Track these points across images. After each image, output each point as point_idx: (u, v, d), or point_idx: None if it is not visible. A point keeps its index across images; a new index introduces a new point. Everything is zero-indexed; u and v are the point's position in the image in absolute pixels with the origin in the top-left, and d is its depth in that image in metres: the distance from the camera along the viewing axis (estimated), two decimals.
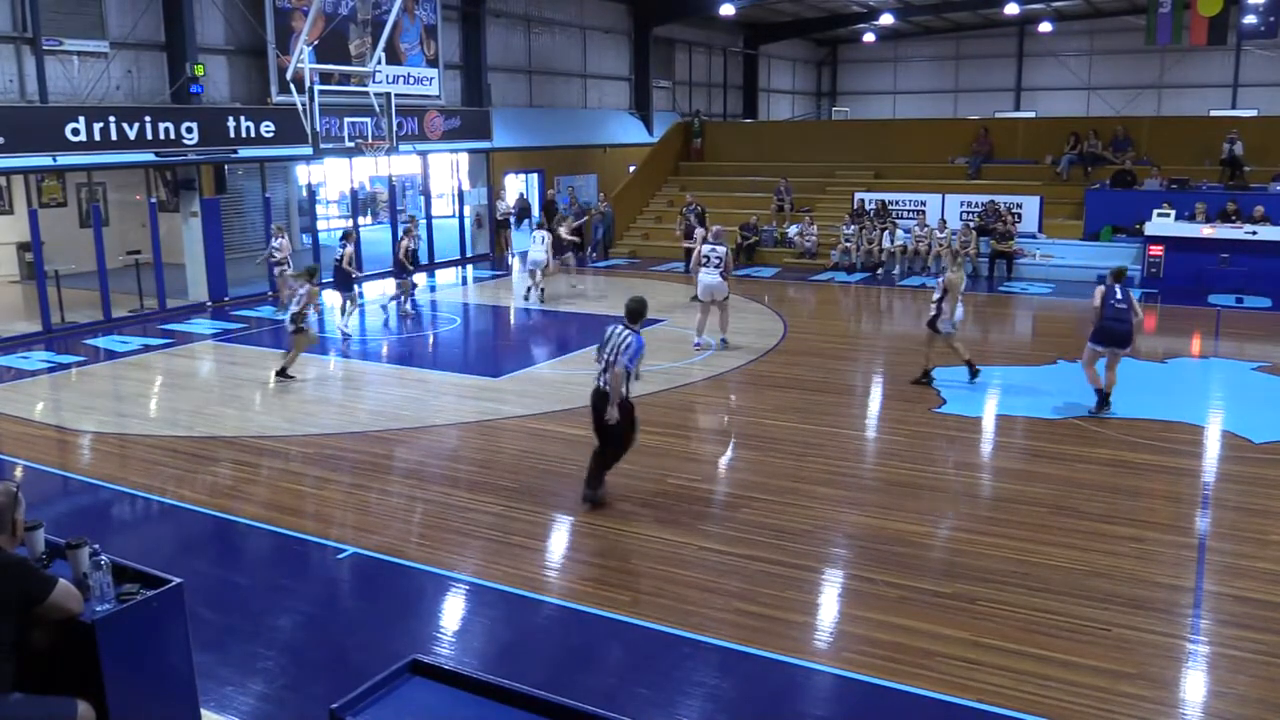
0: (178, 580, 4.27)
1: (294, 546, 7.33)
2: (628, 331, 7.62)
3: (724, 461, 9.39)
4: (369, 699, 3.25)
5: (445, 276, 21.38)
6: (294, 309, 11.95)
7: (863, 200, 22.01)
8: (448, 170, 24.32)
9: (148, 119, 15.71)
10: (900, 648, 5.72)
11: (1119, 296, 10.01)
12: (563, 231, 19.04)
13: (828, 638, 5.96)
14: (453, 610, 6.50)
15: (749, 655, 5.69)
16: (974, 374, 11.41)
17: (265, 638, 5.99)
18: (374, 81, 16.16)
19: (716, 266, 13.35)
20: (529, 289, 17.73)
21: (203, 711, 4.72)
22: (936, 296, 11.36)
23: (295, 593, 6.64)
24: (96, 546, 4.14)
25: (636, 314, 7.83)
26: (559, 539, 7.56)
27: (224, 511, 7.99)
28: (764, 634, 5.90)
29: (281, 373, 12.03)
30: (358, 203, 22.37)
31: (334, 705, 3.18)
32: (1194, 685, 5.42)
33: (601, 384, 7.66)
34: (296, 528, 7.63)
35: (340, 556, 7.12)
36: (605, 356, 7.63)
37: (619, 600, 6.35)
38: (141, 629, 4.11)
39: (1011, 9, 29.59)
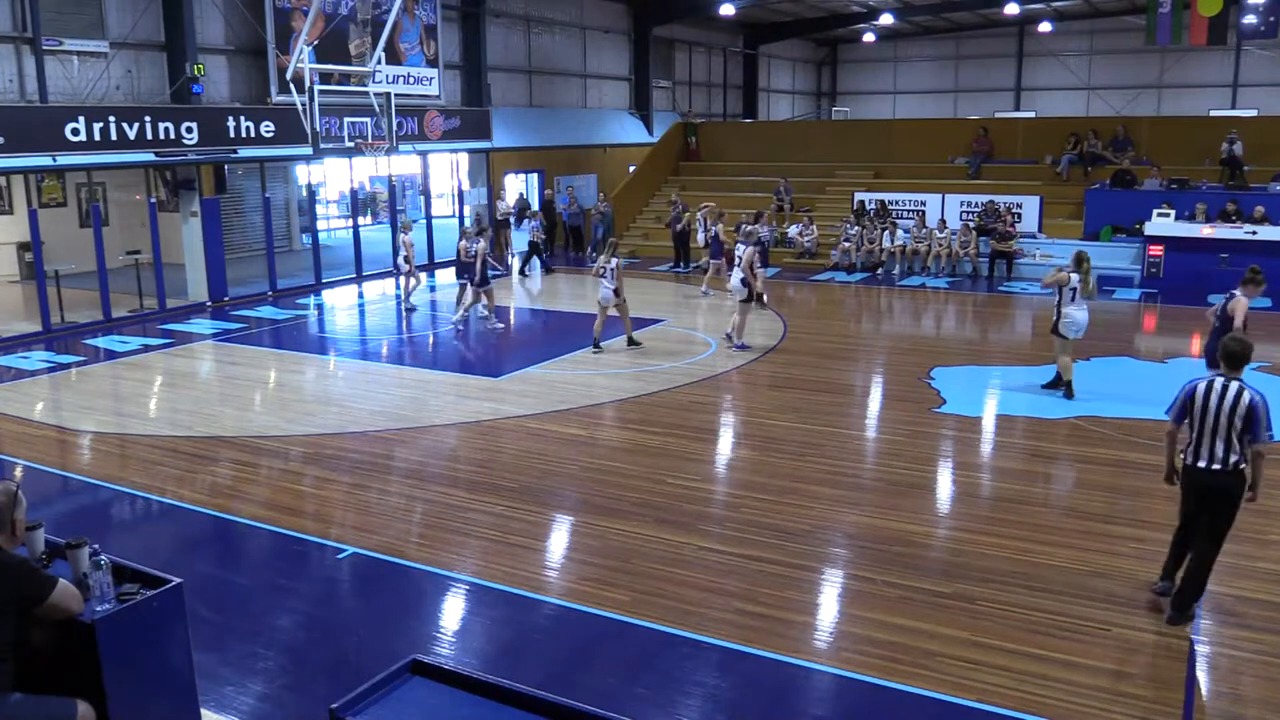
0: (178, 580, 4.28)
1: (294, 546, 7.34)
2: (1237, 385, 5.76)
3: (723, 461, 9.39)
4: (369, 699, 3.26)
5: (445, 276, 21.34)
6: (613, 284, 12.91)
7: (863, 200, 22.02)
8: (447, 170, 24.33)
9: (148, 119, 15.71)
10: (900, 647, 5.73)
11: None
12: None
13: (827, 637, 5.96)
14: (453, 610, 6.50)
15: (749, 655, 5.69)
16: (1060, 389, 10.85)
17: (265, 638, 5.99)
18: (374, 81, 16.17)
19: (737, 265, 13.26)
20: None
21: (203, 711, 4.73)
22: (1057, 300, 10.79)
23: (295, 593, 6.64)
24: (96, 546, 4.14)
25: (1241, 358, 5.88)
26: (559, 539, 7.56)
27: (224, 511, 7.99)
28: (764, 634, 5.91)
29: (632, 341, 13.42)
30: (357, 203, 22.35)
31: (334, 705, 3.19)
32: (1194, 685, 5.42)
33: (1225, 465, 5.73)
34: (296, 528, 7.63)
35: (340, 556, 7.12)
36: (1208, 426, 5.76)
37: (619, 600, 6.35)
38: (141, 629, 4.11)
39: (1011, 9, 29.60)
